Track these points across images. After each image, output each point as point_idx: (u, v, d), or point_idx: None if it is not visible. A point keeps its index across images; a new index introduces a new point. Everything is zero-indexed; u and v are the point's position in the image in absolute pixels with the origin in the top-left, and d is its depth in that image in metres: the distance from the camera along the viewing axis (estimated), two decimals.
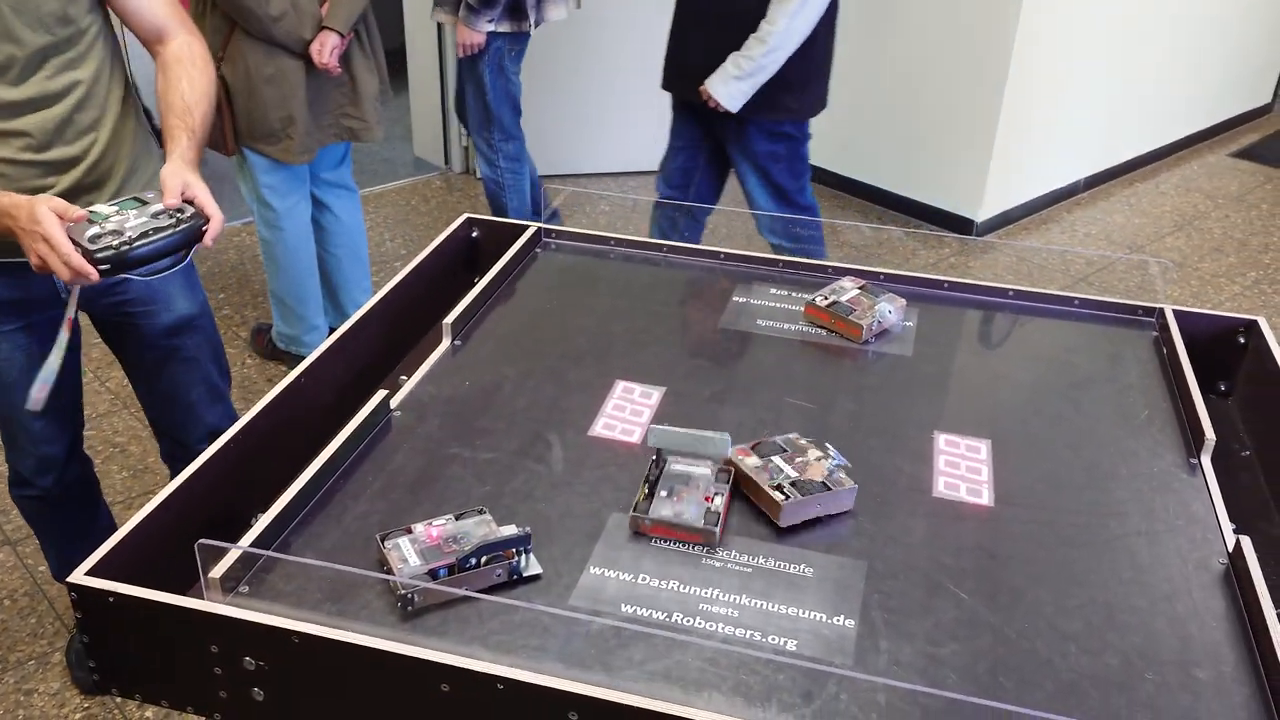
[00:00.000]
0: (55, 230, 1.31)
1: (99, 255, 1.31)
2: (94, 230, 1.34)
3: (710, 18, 2.68)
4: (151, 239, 1.34)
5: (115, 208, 1.38)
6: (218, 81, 2.53)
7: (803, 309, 1.53)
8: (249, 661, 0.92)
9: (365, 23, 2.73)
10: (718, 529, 1.07)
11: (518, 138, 3.41)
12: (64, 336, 1.43)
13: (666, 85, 2.85)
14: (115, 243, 1.32)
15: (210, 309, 1.87)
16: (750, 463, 1.16)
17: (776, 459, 1.16)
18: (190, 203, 1.41)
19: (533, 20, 3.16)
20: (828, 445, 1.18)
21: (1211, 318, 1.51)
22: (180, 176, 1.42)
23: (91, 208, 1.38)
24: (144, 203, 1.40)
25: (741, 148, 2.79)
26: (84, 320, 1.77)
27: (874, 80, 4.20)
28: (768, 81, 2.62)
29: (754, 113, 2.69)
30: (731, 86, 2.62)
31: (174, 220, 1.37)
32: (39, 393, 1.43)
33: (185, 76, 1.55)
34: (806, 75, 2.68)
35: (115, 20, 1.62)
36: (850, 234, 4.09)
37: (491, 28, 3.11)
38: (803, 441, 1.19)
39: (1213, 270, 3.89)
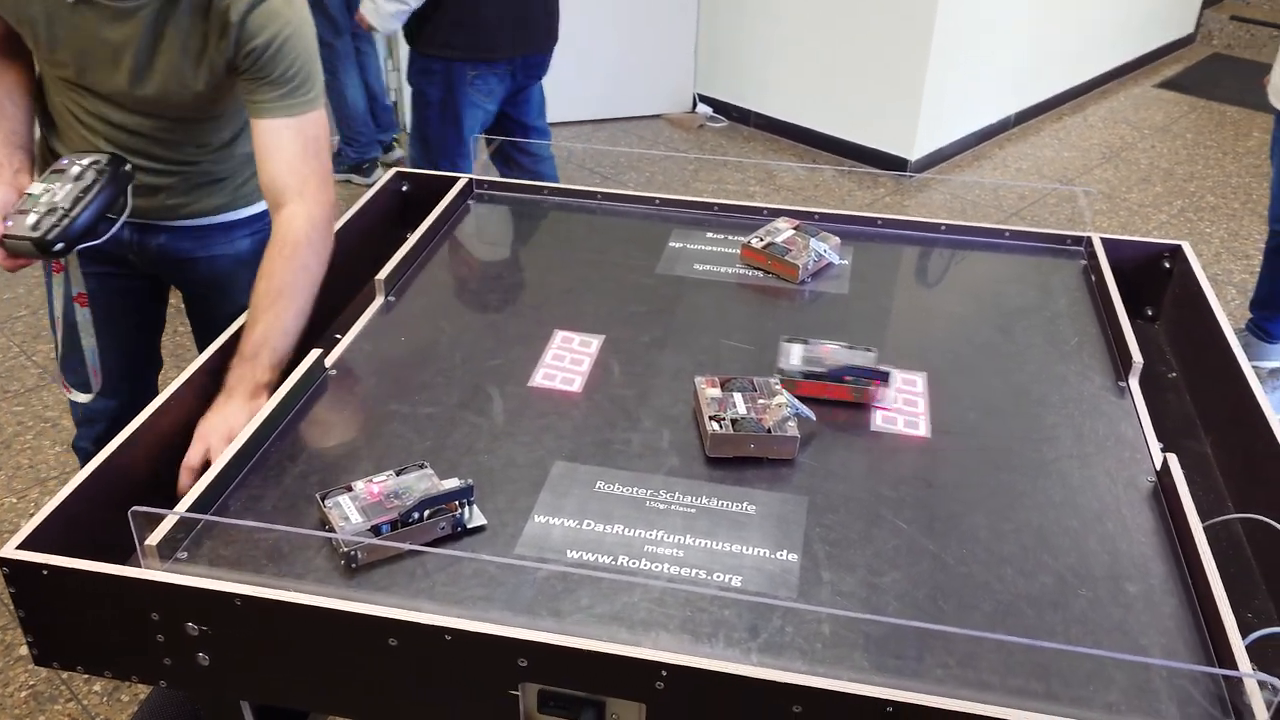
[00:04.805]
0: None
1: (50, 238, 1.27)
2: (33, 218, 1.29)
3: None
4: (85, 200, 1.30)
5: (43, 184, 1.33)
6: None
7: (739, 252, 1.54)
8: (191, 627, 0.91)
9: None
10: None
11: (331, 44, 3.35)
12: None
13: None
14: (56, 220, 1.29)
15: None
16: (710, 393, 1.16)
17: (738, 396, 1.17)
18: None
19: None
20: (795, 398, 1.17)
21: (1137, 244, 1.54)
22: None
23: (27, 190, 1.34)
24: (62, 171, 1.35)
25: (410, 77, 2.65)
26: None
27: (803, 21, 4.18)
28: (436, 12, 2.47)
29: (412, 41, 2.57)
30: (378, 4, 2.49)
31: (96, 172, 1.32)
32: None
33: (265, 272, 1.33)
34: (468, 13, 2.49)
35: None
36: (785, 176, 4.09)
37: None
38: (776, 387, 1.19)
39: (1140, 200, 3.96)
